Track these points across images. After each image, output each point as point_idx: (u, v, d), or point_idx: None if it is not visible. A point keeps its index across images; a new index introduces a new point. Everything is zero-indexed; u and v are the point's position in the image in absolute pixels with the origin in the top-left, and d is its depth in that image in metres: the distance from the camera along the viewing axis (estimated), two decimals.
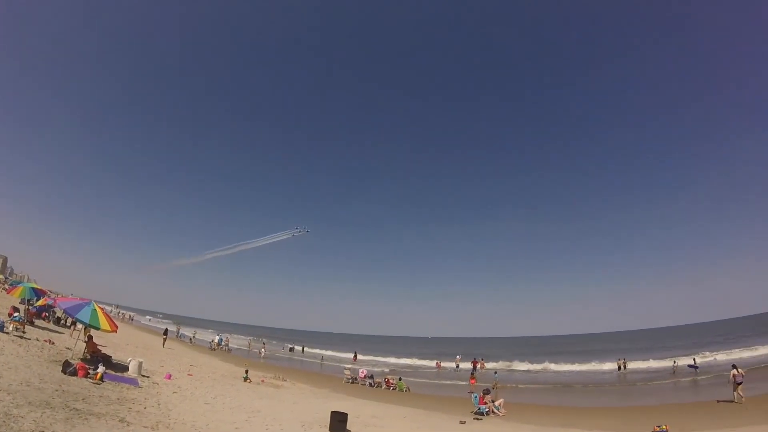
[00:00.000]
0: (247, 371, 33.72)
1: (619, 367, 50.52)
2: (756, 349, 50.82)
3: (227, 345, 72.29)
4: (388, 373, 50.39)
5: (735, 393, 26.45)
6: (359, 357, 72.27)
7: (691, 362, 46.14)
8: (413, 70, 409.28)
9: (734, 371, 27.09)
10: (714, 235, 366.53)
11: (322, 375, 49.99)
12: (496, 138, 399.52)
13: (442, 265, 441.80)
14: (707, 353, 52.50)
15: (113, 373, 20.79)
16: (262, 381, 33.31)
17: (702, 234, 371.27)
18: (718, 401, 26.92)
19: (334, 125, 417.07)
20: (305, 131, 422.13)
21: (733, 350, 52.48)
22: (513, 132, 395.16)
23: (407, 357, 78.79)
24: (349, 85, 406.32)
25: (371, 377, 43.28)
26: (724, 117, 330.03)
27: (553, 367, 56.49)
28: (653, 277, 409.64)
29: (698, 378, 39.89)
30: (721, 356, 49.35)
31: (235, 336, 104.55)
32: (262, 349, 73.61)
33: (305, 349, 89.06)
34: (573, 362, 58.65)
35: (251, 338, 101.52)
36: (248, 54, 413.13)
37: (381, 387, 40.46)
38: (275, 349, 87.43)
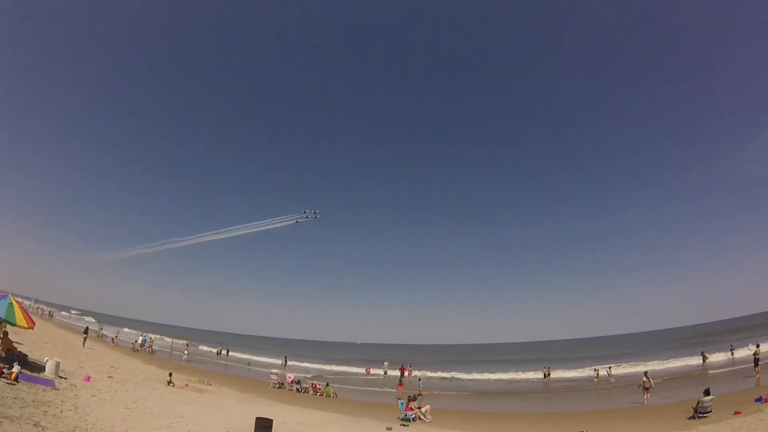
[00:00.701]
0: (170, 374, 32.84)
1: (545, 375, 52.70)
2: (667, 362, 54.49)
3: (151, 346, 69.58)
4: (315, 378, 50.27)
5: (644, 397, 29.73)
6: (289, 362, 71.57)
7: (607, 371, 49.14)
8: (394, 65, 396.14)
9: (645, 378, 30.43)
10: (639, 248, 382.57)
11: (248, 379, 49.18)
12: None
13: (371, 270, 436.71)
14: (623, 363, 56.33)
15: (29, 373, 19.84)
16: (186, 385, 32.55)
17: (624, 247, 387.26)
18: (632, 403, 29.06)
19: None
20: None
21: (653, 361, 55.52)
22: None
23: (336, 363, 78.89)
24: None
25: (298, 382, 43.00)
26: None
27: (478, 375, 57.98)
28: (582, 288, 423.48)
29: (617, 386, 42.39)
30: (640, 367, 52.24)
31: (160, 337, 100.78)
32: (186, 352, 70.64)
33: (230, 352, 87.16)
34: (500, 371, 60.56)
35: (184, 341, 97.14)
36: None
37: (308, 392, 40.24)
38: (200, 352, 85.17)
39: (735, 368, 42.87)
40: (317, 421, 23.47)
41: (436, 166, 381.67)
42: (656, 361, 55.17)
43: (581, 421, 24.13)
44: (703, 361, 51.05)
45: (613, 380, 46.47)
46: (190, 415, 20.03)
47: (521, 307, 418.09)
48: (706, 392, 22.43)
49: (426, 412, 26.85)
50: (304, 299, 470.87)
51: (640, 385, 30.88)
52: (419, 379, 47.89)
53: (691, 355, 56.12)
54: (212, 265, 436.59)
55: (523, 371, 59.42)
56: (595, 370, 50.12)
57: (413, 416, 26.13)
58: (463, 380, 56.40)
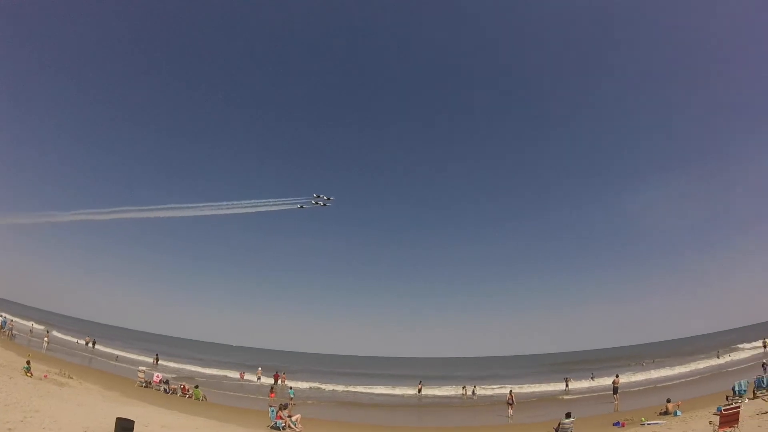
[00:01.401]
0: (28, 363, 30.81)
1: (418, 390, 55.64)
2: (534, 384, 59.87)
3: (11, 329, 63.79)
4: (185, 380, 48.83)
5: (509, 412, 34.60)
6: (160, 361, 68.85)
7: (473, 390, 54.16)
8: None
9: (509, 395, 36.38)
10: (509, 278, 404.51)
11: (114, 375, 46.62)
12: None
13: (251, 273, 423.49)
14: (493, 385, 61.05)
15: None
16: (45, 376, 30.61)
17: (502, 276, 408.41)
18: (499, 416, 31.23)
19: None
20: None
21: (522, 384, 60.16)
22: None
23: (209, 365, 76.96)
24: None
25: (167, 382, 41.53)
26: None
27: (354, 387, 59.77)
28: (463, 310, 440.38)
29: (483, 404, 46.21)
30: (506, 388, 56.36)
31: (22, 321, 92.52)
32: (46, 339, 65.08)
33: (97, 345, 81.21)
34: (378, 384, 63.15)
35: (44, 327, 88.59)
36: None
37: (176, 394, 39.17)
38: (65, 341, 79.33)
39: (594, 394, 47.69)
40: (183, 426, 23.11)
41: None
42: (525, 384, 59.95)
43: None
44: (566, 385, 55.70)
45: (475, 398, 51.14)
46: (48, 410, 19.12)
47: (410, 323, 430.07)
48: (567, 415, 24.84)
49: (296, 421, 27.24)
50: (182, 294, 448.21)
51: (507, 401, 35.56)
52: (291, 388, 48.06)
53: (556, 380, 61.01)
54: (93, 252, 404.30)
55: (399, 386, 61.76)
56: (463, 387, 54.24)
57: (283, 425, 26.48)
58: (338, 391, 57.33)
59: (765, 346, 70.35)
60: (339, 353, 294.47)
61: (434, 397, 54.41)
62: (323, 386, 60.94)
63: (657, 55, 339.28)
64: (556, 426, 24.66)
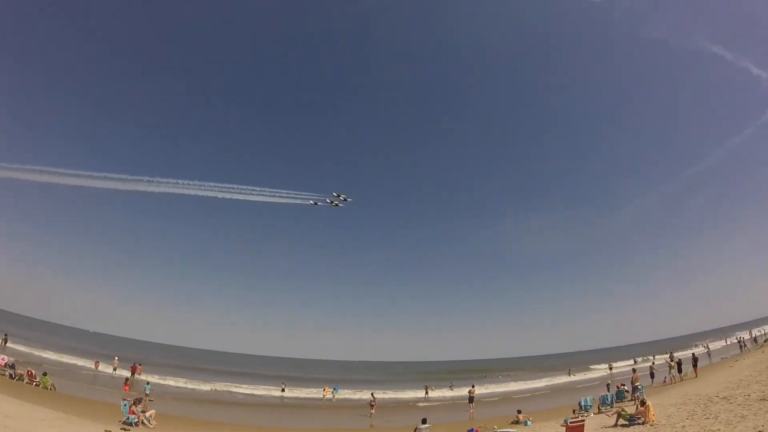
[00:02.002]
0: None
1: (282, 390, 57.17)
2: (399, 391, 62.67)
3: None
4: (32, 366, 44.66)
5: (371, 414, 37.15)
6: (9, 344, 62.68)
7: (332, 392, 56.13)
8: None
9: (372, 398, 39.04)
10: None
11: None
12: None
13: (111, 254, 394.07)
14: (358, 388, 63.27)
15: None
16: None
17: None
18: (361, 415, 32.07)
19: None
20: None
21: (387, 391, 62.36)
22: None
23: (63, 352, 71.07)
24: None
25: (12, 366, 38.10)
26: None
27: (215, 385, 58.01)
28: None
29: (346, 406, 47.81)
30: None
31: None
32: None
33: None
34: (245, 383, 62.76)
35: None
36: None
37: (23, 380, 35.99)
38: None
39: (452, 402, 50.84)
40: (27, 416, 21.60)
41: None
42: (389, 390, 62.32)
43: None
44: (426, 393, 58.66)
45: (333, 399, 53.40)
46: None
47: (286, 323, 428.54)
48: (424, 420, 26.48)
49: (151, 417, 26.25)
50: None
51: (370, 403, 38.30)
52: (148, 383, 45.51)
53: (417, 387, 64.48)
54: None
55: (263, 385, 61.49)
56: (325, 389, 56.03)
57: (136, 420, 25.37)
58: (199, 389, 55.41)
59: (611, 369, 78.60)
60: (207, 348, 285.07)
61: (296, 398, 54.94)
62: (183, 382, 58.65)
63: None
64: (413, 431, 25.98)
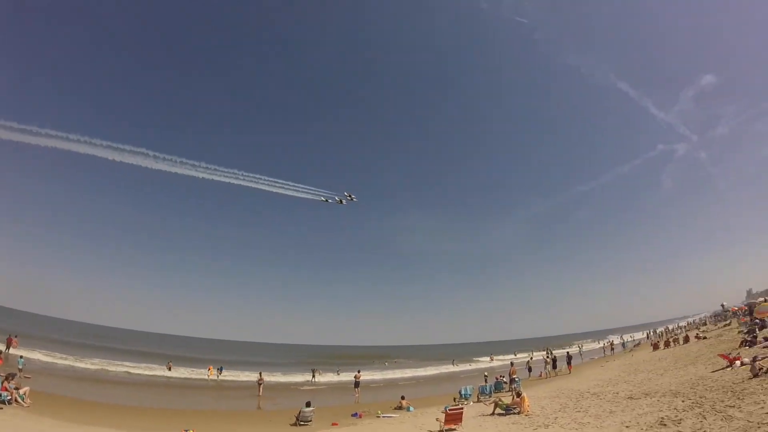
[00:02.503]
0: None
1: (169, 369, 55.40)
2: (287, 375, 62.66)
3: None
4: None
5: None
6: None
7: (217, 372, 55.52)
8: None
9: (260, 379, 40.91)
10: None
11: None
12: None
13: None
14: (246, 370, 61.88)
15: None
16: None
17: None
18: (249, 396, 31.62)
19: None
20: None
21: (276, 373, 62.62)
22: None
23: None
24: None
25: None
26: None
27: (98, 363, 54.60)
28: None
29: (232, 387, 46.56)
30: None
31: None
32: None
33: None
34: (128, 360, 59.90)
35: None
36: None
37: None
38: None
39: (339, 387, 51.57)
40: None
41: None
42: (279, 373, 62.64)
43: (192, 418, 25.83)
44: (313, 377, 59.37)
45: (218, 379, 53.17)
46: None
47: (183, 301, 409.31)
48: (308, 404, 26.71)
49: (25, 394, 24.42)
50: None
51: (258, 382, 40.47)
52: (21, 357, 41.89)
53: (305, 371, 64.52)
54: None
55: (147, 363, 59.17)
56: (209, 368, 55.36)
57: (9, 398, 23.52)
58: (78, 366, 51.59)
59: (492, 361, 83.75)
60: (95, 323, 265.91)
61: (181, 378, 52.91)
62: (64, 358, 54.62)
63: None
64: (297, 414, 26.33)
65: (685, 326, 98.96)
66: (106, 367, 53.13)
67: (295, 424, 25.82)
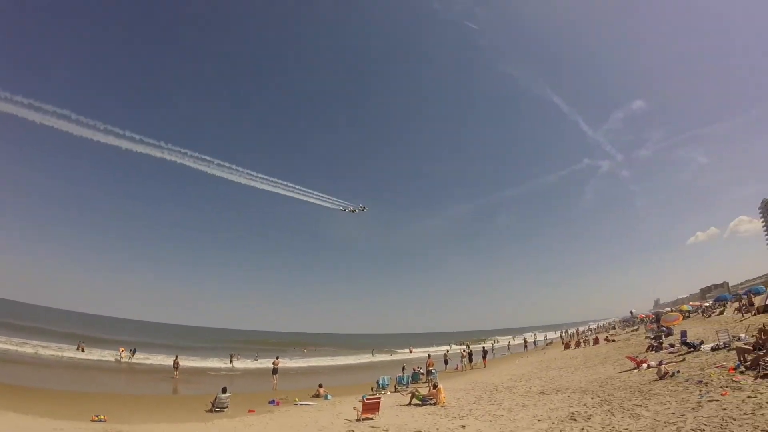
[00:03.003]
0: None
1: (81, 349, 52.78)
2: (205, 360, 60.92)
3: None
4: None
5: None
6: None
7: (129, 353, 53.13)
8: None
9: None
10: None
11: None
12: None
13: None
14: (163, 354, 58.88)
15: None
16: None
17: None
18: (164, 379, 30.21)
19: None
20: None
21: (194, 357, 59.12)
22: None
23: None
24: None
25: None
26: None
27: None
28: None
29: (149, 371, 44.44)
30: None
31: None
32: None
33: None
34: (35, 339, 56.55)
35: None
36: None
37: None
38: None
39: (257, 373, 50.77)
40: None
41: None
42: (196, 358, 61.46)
43: (103, 403, 24.69)
44: (231, 362, 59.05)
45: (130, 361, 51.08)
46: None
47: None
48: (224, 390, 26.03)
49: None
50: None
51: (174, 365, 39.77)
52: None
53: (222, 356, 63.85)
54: None
55: (57, 343, 55.94)
56: (121, 349, 53.16)
57: None
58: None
59: (410, 351, 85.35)
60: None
61: (92, 360, 50.05)
62: None
63: None
64: (213, 400, 25.28)
65: (595, 329, 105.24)
66: (10, 347, 49.31)
67: (210, 411, 25.09)
